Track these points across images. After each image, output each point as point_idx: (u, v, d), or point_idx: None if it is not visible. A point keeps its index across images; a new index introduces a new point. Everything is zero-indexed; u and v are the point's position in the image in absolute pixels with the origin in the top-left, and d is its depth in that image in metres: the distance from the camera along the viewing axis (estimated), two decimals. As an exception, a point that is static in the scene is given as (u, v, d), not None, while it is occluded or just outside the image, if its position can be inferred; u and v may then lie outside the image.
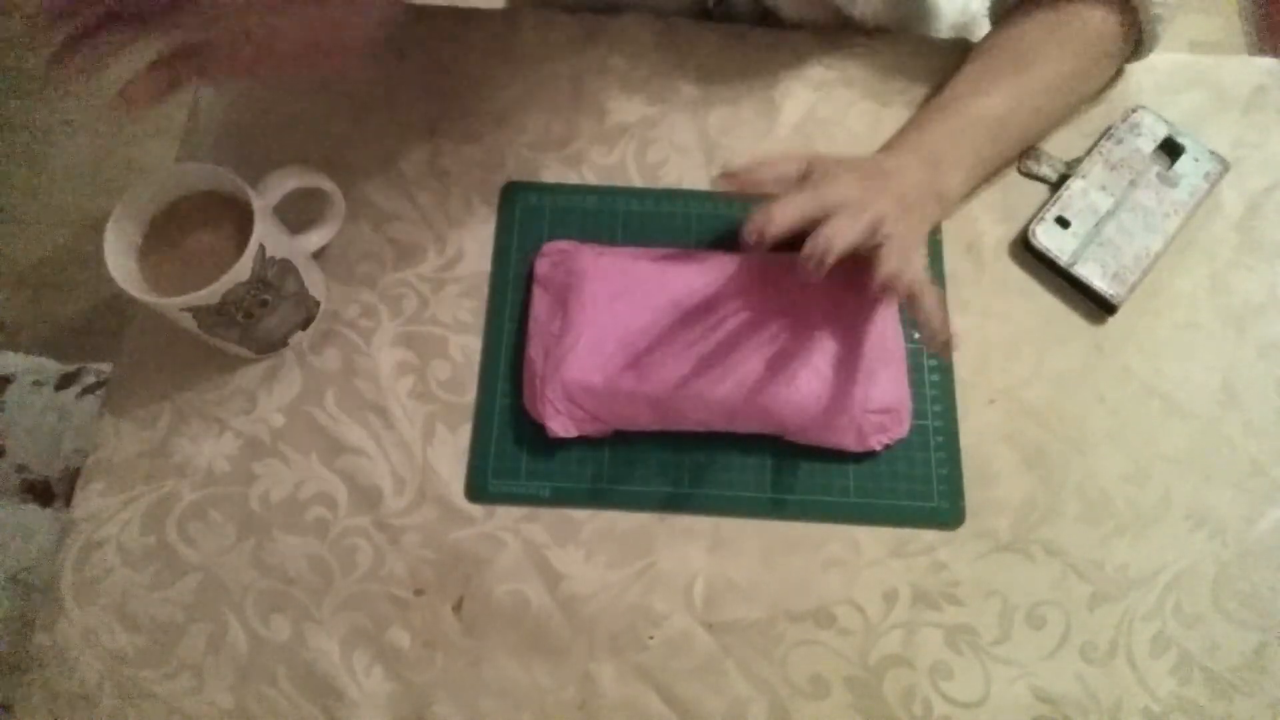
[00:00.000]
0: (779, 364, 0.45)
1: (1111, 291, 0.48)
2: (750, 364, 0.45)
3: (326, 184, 0.46)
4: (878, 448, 0.46)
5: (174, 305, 0.41)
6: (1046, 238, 0.50)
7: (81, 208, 1.33)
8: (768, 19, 0.58)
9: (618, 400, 0.45)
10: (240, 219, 0.43)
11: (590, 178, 0.53)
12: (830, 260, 0.39)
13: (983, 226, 0.51)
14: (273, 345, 0.48)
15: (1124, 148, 0.51)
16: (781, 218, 0.40)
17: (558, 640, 0.44)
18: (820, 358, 0.45)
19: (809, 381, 0.44)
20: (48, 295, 1.27)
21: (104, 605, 0.44)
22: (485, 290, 0.50)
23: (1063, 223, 0.50)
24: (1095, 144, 0.52)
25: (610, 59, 0.56)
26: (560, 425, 0.45)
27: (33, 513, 0.73)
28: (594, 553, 0.45)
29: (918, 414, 0.47)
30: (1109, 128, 0.52)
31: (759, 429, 0.45)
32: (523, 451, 0.47)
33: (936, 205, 0.47)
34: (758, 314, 0.46)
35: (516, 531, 0.46)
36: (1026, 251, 0.50)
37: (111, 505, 0.46)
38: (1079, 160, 0.51)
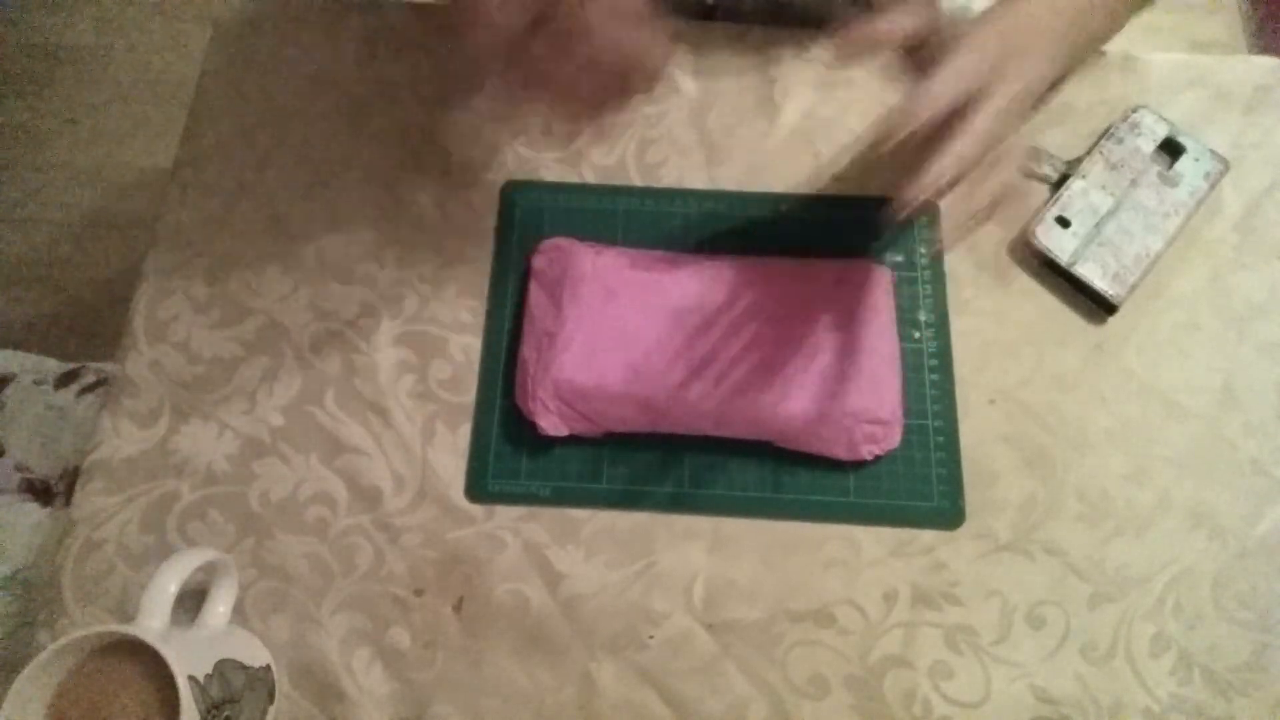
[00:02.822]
0: (771, 372, 0.45)
1: (1112, 291, 0.48)
2: (742, 371, 0.45)
3: (210, 556, 0.41)
4: (868, 458, 0.45)
5: None
6: (1046, 237, 0.49)
7: (82, 207, 1.33)
8: (771, 15, 0.58)
9: (608, 402, 0.45)
10: (147, 660, 0.37)
11: (590, 178, 0.53)
12: (922, 117, 0.37)
13: (983, 227, 0.51)
14: None
15: (1124, 147, 0.51)
16: (933, 101, 0.37)
17: (558, 640, 0.44)
18: (813, 366, 0.45)
19: (801, 390, 0.45)
20: (48, 295, 1.27)
21: (104, 605, 0.44)
22: (485, 290, 0.50)
23: (1063, 222, 0.50)
24: (1095, 144, 0.52)
25: (610, 59, 0.56)
26: (550, 424, 0.45)
27: (32, 512, 0.73)
28: (594, 553, 0.45)
29: (918, 414, 0.47)
30: (1109, 127, 0.52)
31: (750, 436, 0.45)
32: (522, 451, 0.47)
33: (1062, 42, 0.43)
34: (752, 321, 0.46)
35: (516, 531, 0.46)
36: (1027, 251, 0.50)
37: (111, 504, 0.46)
38: (1079, 160, 0.51)
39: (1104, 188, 0.51)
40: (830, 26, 0.55)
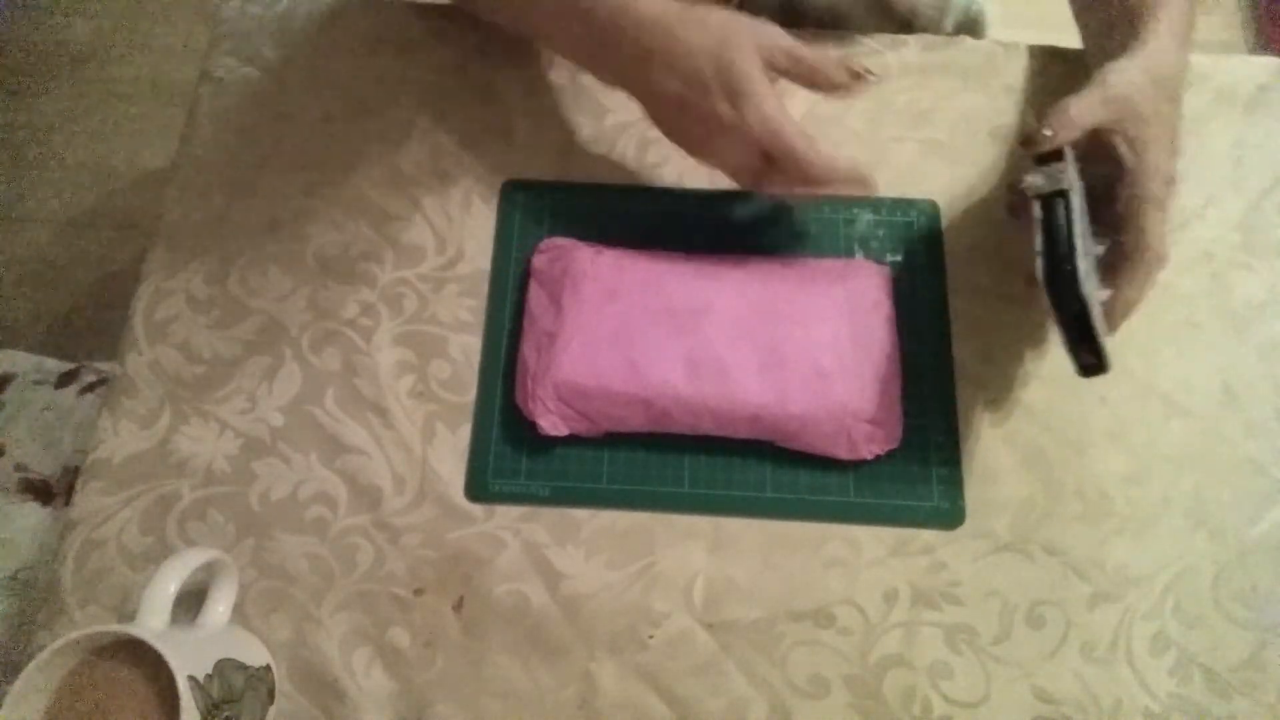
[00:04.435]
0: (771, 372, 0.45)
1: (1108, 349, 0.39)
2: (742, 371, 0.45)
3: (210, 556, 0.41)
4: (868, 457, 0.45)
5: None
6: (1089, 281, 0.38)
7: (81, 208, 1.33)
8: (792, 17, 0.58)
9: (608, 402, 0.45)
10: (146, 660, 0.37)
11: (590, 178, 0.53)
12: (1058, 138, 0.39)
13: (983, 228, 0.51)
14: None
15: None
16: (1077, 120, 0.40)
17: (558, 640, 0.44)
18: (813, 366, 0.45)
19: (801, 390, 0.45)
20: (48, 294, 1.27)
21: (104, 605, 0.44)
22: (485, 289, 0.50)
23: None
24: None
25: (610, 58, 0.56)
26: (550, 424, 0.45)
27: (32, 512, 0.73)
28: (594, 552, 0.45)
29: (918, 414, 0.47)
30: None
31: (750, 435, 0.45)
32: (522, 451, 0.47)
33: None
34: (751, 321, 0.46)
35: (516, 531, 0.46)
36: (1047, 292, 0.39)
37: (111, 504, 0.46)
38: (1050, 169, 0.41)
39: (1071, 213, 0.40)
40: (846, 29, 0.55)
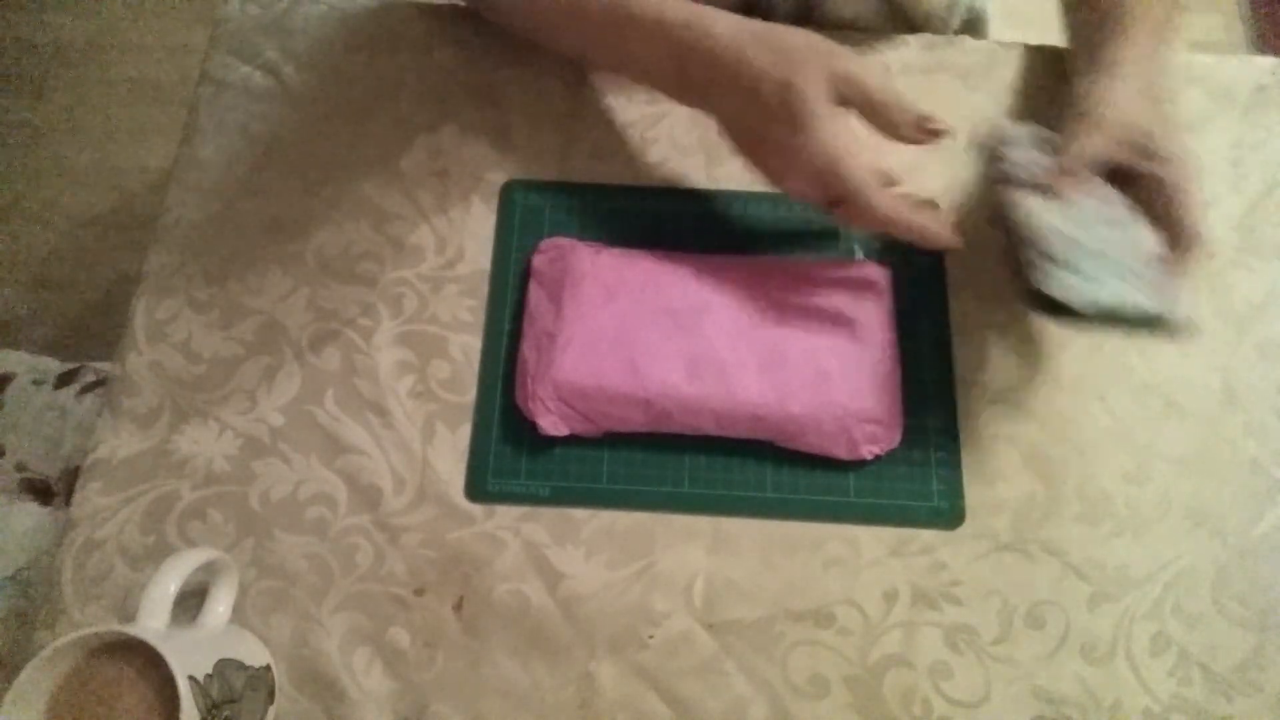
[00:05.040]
0: (771, 372, 0.45)
1: (1161, 309, 0.39)
2: (742, 371, 0.45)
3: (210, 556, 0.41)
4: (869, 457, 0.45)
5: None
6: (1058, 287, 0.38)
7: (81, 208, 1.33)
8: (809, 19, 0.58)
9: (608, 402, 0.45)
10: (146, 660, 0.37)
11: (590, 178, 0.53)
12: (1073, 183, 0.41)
13: (983, 228, 0.51)
14: None
15: (1016, 164, 0.43)
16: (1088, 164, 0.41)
17: (558, 640, 0.44)
18: (813, 367, 0.45)
19: (801, 390, 0.45)
20: (48, 294, 1.27)
21: (104, 605, 0.44)
22: (485, 289, 0.50)
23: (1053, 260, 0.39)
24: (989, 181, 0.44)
25: (610, 58, 0.56)
26: (550, 424, 0.45)
27: (32, 512, 0.73)
28: (594, 552, 0.45)
29: (918, 414, 0.47)
30: (983, 152, 0.45)
31: (750, 435, 0.46)
32: (522, 451, 0.47)
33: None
34: (751, 321, 0.46)
35: (516, 531, 0.46)
36: (1038, 306, 0.39)
37: (111, 504, 0.46)
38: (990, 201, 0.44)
39: (1049, 211, 0.41)
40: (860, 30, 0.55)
